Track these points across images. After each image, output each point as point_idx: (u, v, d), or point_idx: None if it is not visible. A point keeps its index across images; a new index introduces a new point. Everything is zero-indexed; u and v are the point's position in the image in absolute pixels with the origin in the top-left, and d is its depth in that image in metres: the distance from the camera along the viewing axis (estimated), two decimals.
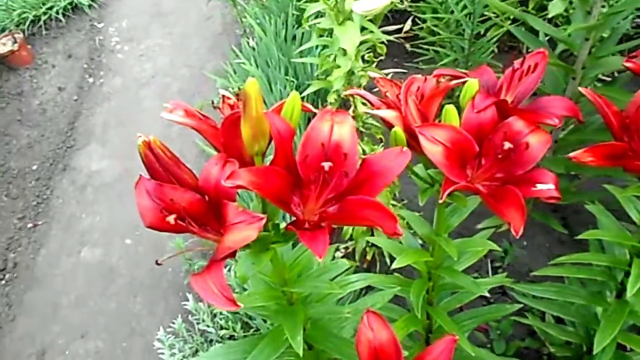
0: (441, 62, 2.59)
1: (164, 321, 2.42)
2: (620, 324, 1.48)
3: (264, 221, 0.78)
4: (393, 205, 1.96)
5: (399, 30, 3.44)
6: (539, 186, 1.01)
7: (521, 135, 1.05)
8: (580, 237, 1.42)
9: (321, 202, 0.90)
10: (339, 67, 1.55)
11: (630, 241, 1.42)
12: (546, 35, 1.85)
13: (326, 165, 0.87)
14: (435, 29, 2.51)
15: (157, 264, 0.90)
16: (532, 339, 2.22)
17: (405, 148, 0.88)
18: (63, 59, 3.74)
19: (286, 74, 2.90)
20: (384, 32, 3.66)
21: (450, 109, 1.01)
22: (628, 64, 1.14)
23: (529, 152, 1.03)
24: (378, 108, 1.12)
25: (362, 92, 1.18)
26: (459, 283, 1.33)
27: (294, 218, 0.88)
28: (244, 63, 2.90)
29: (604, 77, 2.69)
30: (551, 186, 1.00)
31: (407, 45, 3.67)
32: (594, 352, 1.42)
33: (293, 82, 2.82)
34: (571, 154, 1.04)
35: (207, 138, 0.98)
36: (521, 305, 1.57)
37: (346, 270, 1.23)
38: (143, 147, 0.88)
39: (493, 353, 2.17)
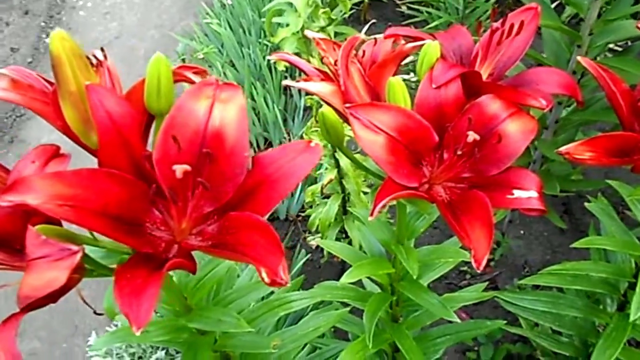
0: (429, 26, 2.28)
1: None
2: (622, 342, 1.23)
3: (79, 256, 0.50)
4: (365, 192, 1.68)
5: None
6: (517, 193, 0.73)
7: (496, 121, 0.77)
8: (576, 245, 1.14)
9: (193, 221, 0.62)
10: (287, 25, 1.26)
11: (636, 250, 1.14)
12: None
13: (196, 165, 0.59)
14: None
15: None
16: (523, 343, 1.97)
17: (315, 141, 0.59)
18: (19, 15, 3.41)
19: (261, 37, 2.58)
20: None
21: (395, 82, 0.72)
22: None
23: (505, 144, 0.75)
24: (308, 80, 0.84)
25: (292, 57, 0.89)
26: (421, 303, 1.06)
27: None
28: (213, 23, 2.59)
29: (616, 47, 2.36)
30: (533, 194, 0.72)
31: (404, 7, 3.35)
32: None
33: (266, 45, 2.51)
34: (562, 149, 0.75)
35: (49, 120, 0.69)
36: (504, 323, 1.31)
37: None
38: None
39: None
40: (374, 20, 3.09)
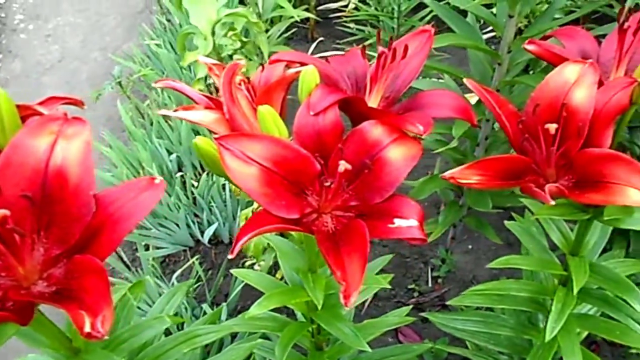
0: (365, 43, 2.27)
1: None
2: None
3: None
4: None
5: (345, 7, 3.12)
6: (397, 222, 0.70)
7: (378, 148, 0.74)
8: (491, 265, 1.12)
9: (41, 265, 0.58)
10: (197, 48, 1.23)
11: (554, 269, 1.13)
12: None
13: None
14: (360, 4, 2.19)
15: None
16: None
17: (160, 178, 0.56)
18: None
19: None
20: (324, 10, 3.37)
21: (265, 111, 0.69)
22: (530, 47, 0.83)
23: (388, 171, 0.73)
24: (188, 109, 0.80)
25: (178, 84, 0.86)
26: (333, 333, 1.02)
27: None
28: (156, 44, 2.55)
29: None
30: (413, 222, 0.70)
31: (352, 24, 3.35)
32: None
33: None
34: (446, 174, 0.73)
35: None
36: (429, 346, 1.28)
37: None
38: None
39: None
40: (321, 38, 3.09)
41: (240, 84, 0.84)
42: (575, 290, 0.98)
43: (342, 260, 0.68)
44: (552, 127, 0.75)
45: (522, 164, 0.80)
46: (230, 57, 1.40)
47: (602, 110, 0.75)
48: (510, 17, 1.31)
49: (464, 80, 0.81)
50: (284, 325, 1.15)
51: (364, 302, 2.24)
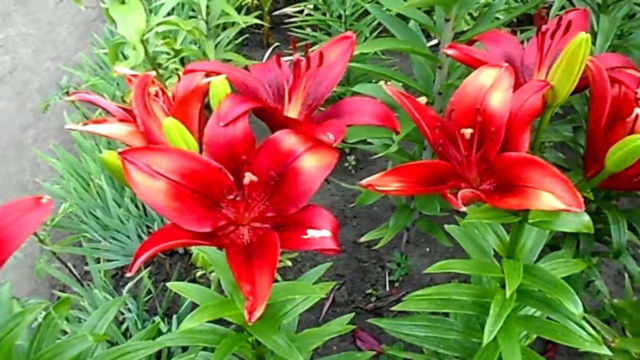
0: (313, 48, 2.26)
1: None
2: None
3: None
4: None
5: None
6: (310, 233, 0.69)
7: (292, 157, 0.73)
8: (428, 271, 1.12)
9: None
10: (126, 58, 1.20)
11: (492, 272, 1.13)
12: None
13: None
14: (306, 8, 2.18)
15: None
16: None
17: (47, 197, 0.53)
18: None
19: None
20: (280, 15, 3.34)
21: (169, 124, 0.67)
22: (449, 51, 0.82)
23: (301, 181, 0.72)
24: (100, 122, 0.78)
25: (92, 97, 0.83)
26: (267, 345, 1.01)
27: None
28: (105, 54, 2.50)
29: None
30: (326, 233, 0.68)
31: (308, 29, 3.33)
32: None
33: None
34: (363, 181, 0.72)
35: None
36: (372, 354, 1.27)
37: None
38: None
39: None
40: (277, 44, 3.06)
41: (157, 95, 0.82)
42: (508, 293, 0.98)
43: (253, 274, 0.66)
44: (467, 132, 0.74)
45: (444, 169, 0.80)
46: (167, 66, 1.37)
47: (517, 114, 0.75)
48: (447, 20, 1.31)
49: (383, 85, 0.80)
50: (223, 338, 1.12)
51: (321, 309, 2.23)
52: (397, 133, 0.84)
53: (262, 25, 3.04)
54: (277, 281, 1.07)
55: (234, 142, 0.71)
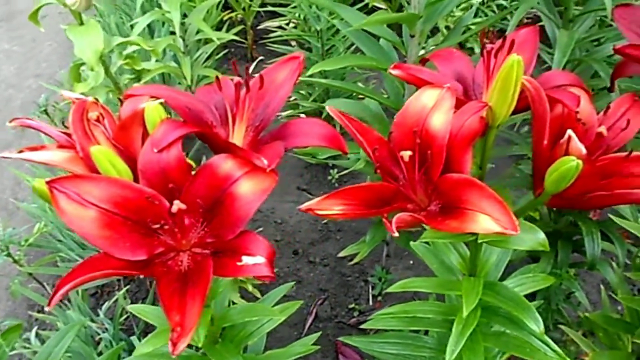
0: None
1: None
2: None
3: None
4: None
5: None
6: (245, 259, 0.68)
7: (229, 182, 0.72)
8: (390, 290, 1.11)
9: None
10: (85, 80, 1.20)
11: (454, 290, 1.12)
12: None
13: None
14: (283, 24, 2.18)
15: None
16: None
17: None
18: None
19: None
20: (264, 29, 3.35)
21: (97, 152, 0.66)
22: (394, 72, 0.82)
23: (238, 206, 0.71)
24: (36, 149, 0.77)
25: (34, 123, 0.82)
26: None
27: None
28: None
29: None
30: (259, 260, 0.67)
31: (294, 42, 3.34)
32: None
33: None
34: (302, 206, 0.71)
35: None
36: None
37: None
38: None
39: None
40: (261, 57, 3.06)
41: (98, 120, 0.81)
42: (465, 312, 0.97)
43: (185, 303, 0.65)
44: (406, 154, 0.74)
45: (388, 191, 0.79)
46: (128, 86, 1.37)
47: (457, 135, 0.74)
48: (412, 36, 1.31)
49: (326, 107, 0.79)
50: None
51: (304, 324, 2.21)
52: (345, 153, 0.83)
53: (247, 39, 3.05)
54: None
55: (168, 168, 0.70)
